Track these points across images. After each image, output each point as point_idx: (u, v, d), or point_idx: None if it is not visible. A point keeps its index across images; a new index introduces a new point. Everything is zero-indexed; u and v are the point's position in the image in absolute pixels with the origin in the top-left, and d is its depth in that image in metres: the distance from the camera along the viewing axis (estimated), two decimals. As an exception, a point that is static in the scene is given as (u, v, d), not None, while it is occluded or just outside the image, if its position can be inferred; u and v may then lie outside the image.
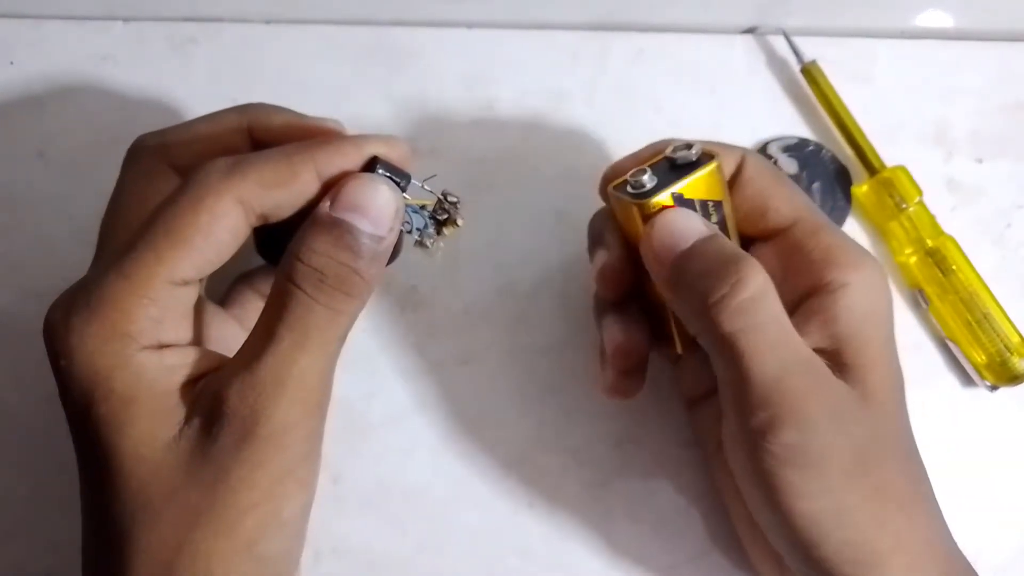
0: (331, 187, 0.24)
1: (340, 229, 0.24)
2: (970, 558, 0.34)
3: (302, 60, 0.38)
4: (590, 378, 0.34)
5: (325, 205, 0.24)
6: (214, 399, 0.23)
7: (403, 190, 0.26)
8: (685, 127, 0.38)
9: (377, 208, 0.24)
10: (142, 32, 0.38)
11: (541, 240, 0.36)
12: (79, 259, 0.35)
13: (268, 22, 0.38)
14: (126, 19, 0.38)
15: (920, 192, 0.36)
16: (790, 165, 0.37)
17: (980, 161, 0.38)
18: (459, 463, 0.34)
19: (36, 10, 0.38)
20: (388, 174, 0.25)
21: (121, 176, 0.28)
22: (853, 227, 0.37)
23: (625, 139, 0.38)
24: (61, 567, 0.33)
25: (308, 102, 0.37)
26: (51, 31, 0.38)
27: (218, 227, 0.23)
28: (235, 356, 0.24)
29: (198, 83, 0.37)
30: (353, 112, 0.37)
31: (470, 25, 0.39)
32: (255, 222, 0.24)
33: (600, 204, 0.32)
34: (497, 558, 0.33)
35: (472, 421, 0.34)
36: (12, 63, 0.37)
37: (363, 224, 0.24)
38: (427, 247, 0.27)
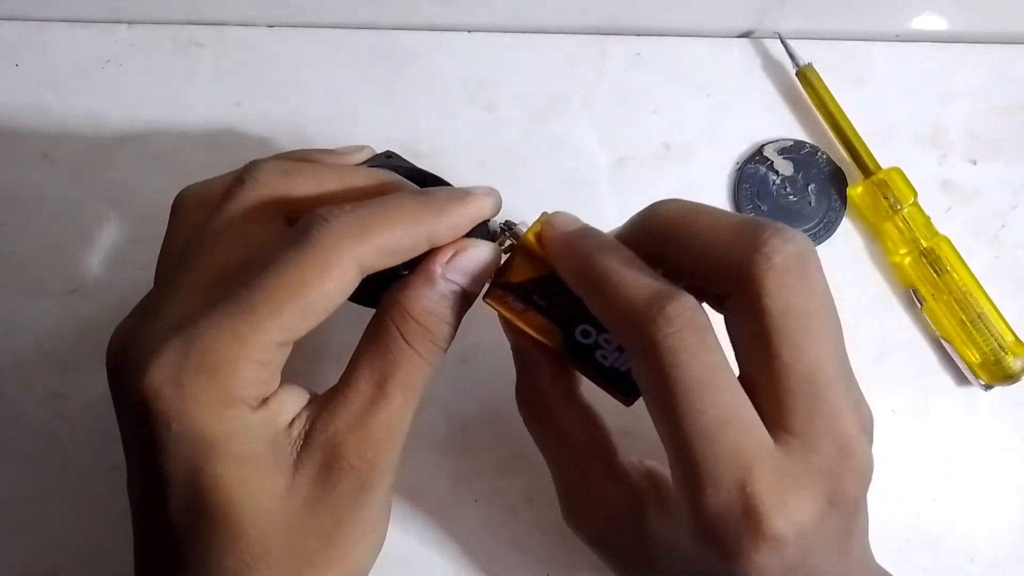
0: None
1: (452, 292, 0.25)
2: (965, 557, 0.35)
3: (305, 63, 0.38)
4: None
5: (439, 268, 0.25)
6: (331, 453, 0.24)
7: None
8: (682, 130, 0.38)
9: (482, 272, 0.26)
10: (146, 35, 0.38)
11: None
12: (83, 260, 0.36)
13: (271, 26, 0.39)
14: (130, 22, 0.38)
15: (915, 193, 0.36)
16: (786, 167, 0.38)
17: (974, 163, 0.39)
18: (459, 460, 0.34)
19: (41, 13, 0.38)
20: (492, 235, 0.27)
21: (230, 204, 0.25)
22: (848, 228, 0.38)
23: (623, 142, 0.38)
24: (67, 564, 0.33)
25: (311, 105, 0.38)
26: (56, 34, 0.38)
27: (338, 293, 0.23)
28: (340, 403, 0.24)
29: (202, 85, 0.38)
30: (355, 114, 0.38)
31: (470, 29, 0.39)
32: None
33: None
34: (497, 554, 0.33)
35: (472, 418, 0.34)
36: (17, 65, 0.38)
37: (468, 285, 0.25)
38: None
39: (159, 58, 0.38)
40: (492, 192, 0.26)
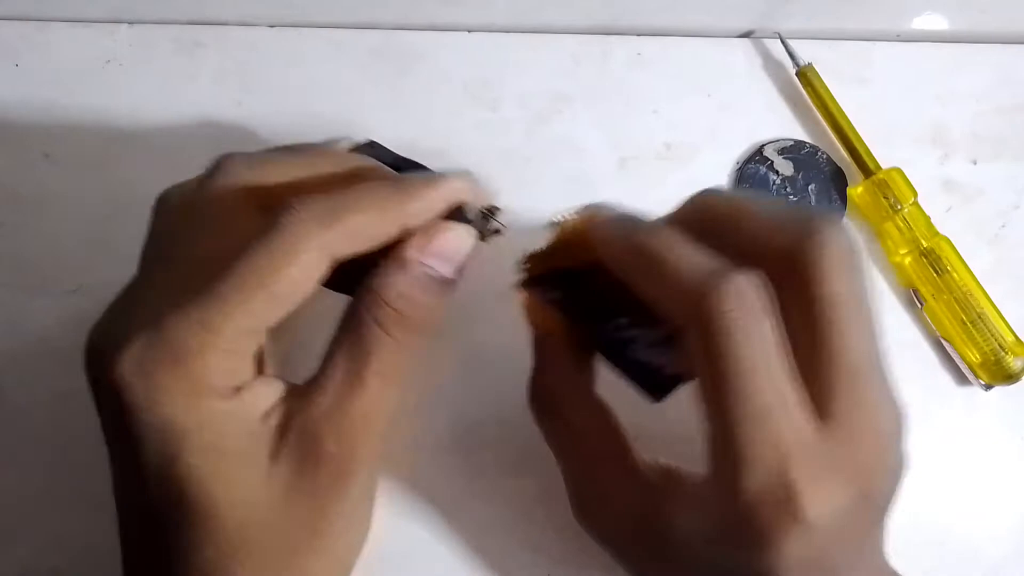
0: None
1: (427, 275, 0.25)
2: (967, 557, 0.35)
3: (307, 63, 0.38)
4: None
5: (414, 251, 0.25)
6: (308, 441, 0.23)
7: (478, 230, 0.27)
8: (683, 130, 0.38)
9: (461, 257, 0.25)
10: (147, 35, 0.38)
11: (542, 241, 0.36)
12: (84, 260, 0.36)
13: (273, 26, 0.39)
14: (131, 22, 0.38)
15: (915, 193, 0.36)
16: (786, 167, 0.38)
17: (975, 162, 0.39)
18: (470, 458, 0.34)
19: (42, 13, 0.38)
20: (469, 220, 0.26)
21: (200, 196, 0.25)
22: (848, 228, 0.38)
23: (624, 142, 0.38)
24: (67, 564, 0.33)
25: (312, 104, 0.38)
26: (57, 34, 0.38)
27: (307, 280, 0.23)
28: (316, 391, 0.24)
29: (204, 85, 0.38)
30: (356, 114, 0.38)
31: (473, 29, 0.39)
32: (332, 266, 0.24)
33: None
34: (508, 552, 0.33)
35: (475, 416, 0.34)
36: (18, 65, 0.38)
37: (445, 270, 0.25)
38: None
39: (160, 58, 0.38)
40: (465, 175, 0.26)
